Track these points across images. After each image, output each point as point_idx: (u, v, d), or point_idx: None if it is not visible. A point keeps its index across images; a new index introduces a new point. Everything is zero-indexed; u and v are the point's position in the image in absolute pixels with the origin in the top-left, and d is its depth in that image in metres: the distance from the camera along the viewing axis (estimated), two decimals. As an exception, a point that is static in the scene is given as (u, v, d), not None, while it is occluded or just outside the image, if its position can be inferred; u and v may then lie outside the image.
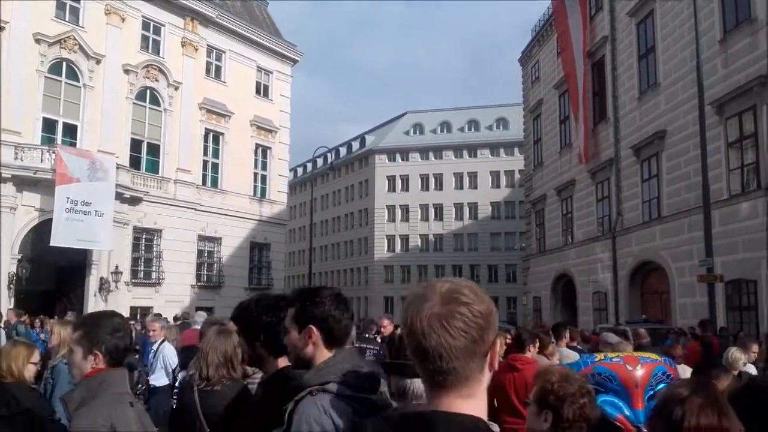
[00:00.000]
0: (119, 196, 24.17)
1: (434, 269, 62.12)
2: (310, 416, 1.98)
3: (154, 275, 26.80)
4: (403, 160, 64.83)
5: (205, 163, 29.97)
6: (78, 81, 24.98)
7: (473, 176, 61.94)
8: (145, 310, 23.80)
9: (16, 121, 22.46)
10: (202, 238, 29.32)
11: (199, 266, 29.32)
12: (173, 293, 26.65)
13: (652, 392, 3.85)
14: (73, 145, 24.38)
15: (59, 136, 24.31)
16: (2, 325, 13.93)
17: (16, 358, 3.95)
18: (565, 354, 7.15)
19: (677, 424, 2.00)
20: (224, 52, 30.89)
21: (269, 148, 33.06)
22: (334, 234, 71.15)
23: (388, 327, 8.83)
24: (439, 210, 62.87)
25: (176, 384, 5.55)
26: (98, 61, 25.30)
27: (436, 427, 1.26)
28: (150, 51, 27.60)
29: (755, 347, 8.26)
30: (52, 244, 21.49)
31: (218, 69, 30.80)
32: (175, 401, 4.60)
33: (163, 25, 28.07)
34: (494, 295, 58.14)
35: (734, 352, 6.53)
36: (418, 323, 1.28)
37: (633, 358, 3.96)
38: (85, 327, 2.66)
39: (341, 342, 2.25)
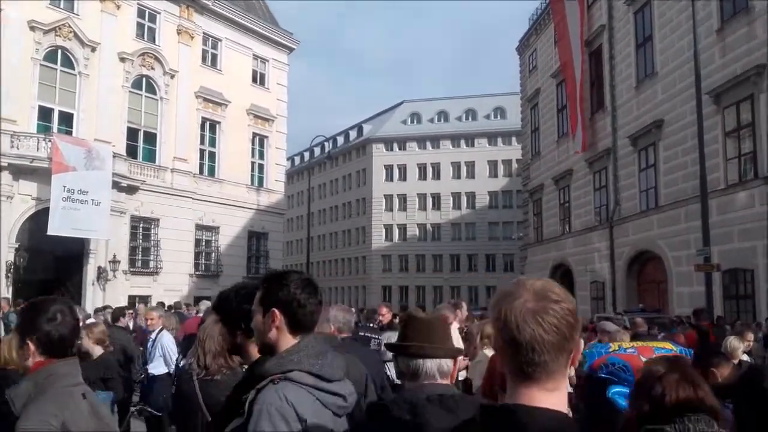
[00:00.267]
0: (116, 185, 24.14)
1: (432, 259, 62.23)
2: (271, 406, 1.91)
3: (152, 264, 26.80)
4: (400, 149, 64.76)
5: (202, 152, 29.91)
6: (73, 69, 24.86)
7: (471, 166, 61.92)
8: (144, 300, 23.81)
9: (12, 110, 22.36)
10: (199, 227, 29.31)
11: (197, 255, 29.32)
12: (171, 282, 26.67)
13: None
14: (69, 133, 24.30)
15: (55, 125, 24.22)
16: (-1, 314, 13.96)
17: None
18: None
19: (658, 399, 2.29)
20: (220, 40, 30.76)
21: (266, 137, 32.99)
22: (332, 223, 71.18)
23: (386, 315, 8.85)
24: (436, 199, 62.87)
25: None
26: (93, 49, 25.17)
27: (525, 420, 1.30)
28: (146, 39, 27.47)
29: (750, 336, 8.31)
30: (49, 233, 21.47)
31: (214, 57, 30.67)
32: (173, 389, 4.61)
33: (159, 13, 27.92)
34: (492, 284, 58.35)
35: (732, 341, 6.55)
36: (512, 317, 1.34)
37: (648, 348, 3.95)
38: (20, 315, 2.49)
39: (307, 328, 2.16)
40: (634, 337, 7.87)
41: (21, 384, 2.34)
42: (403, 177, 64.27)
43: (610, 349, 4.19)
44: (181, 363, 5.66)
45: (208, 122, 30.08)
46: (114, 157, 24.02)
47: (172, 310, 13.33)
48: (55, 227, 21.65)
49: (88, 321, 11.32)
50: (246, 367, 4.26)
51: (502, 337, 1.37)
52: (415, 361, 2.26)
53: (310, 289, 2.20)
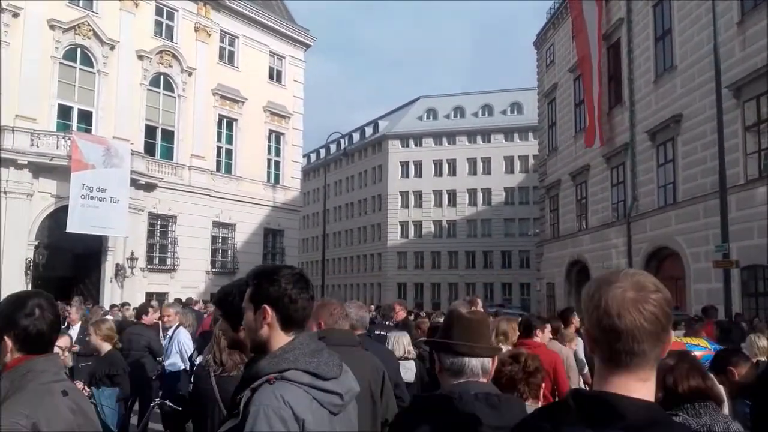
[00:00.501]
0: (134, 183, 24.35)
1: (447, 255, 62.09)
2: (268, 407, 1.87)
3: (169, 261, 27.01)
4: (416, 145, 64.64)
5: (219, 149, 30.08)
6: (92, 67, 25.08)
7: (487, 161, 61.68)
8: (161, 296, 24.00)
9: (32, 108, 22.64)
10: (216, 224, 29.49)
11: (213, 252, 29.51)
12: (188, 279, 26.86)
13: None
14: (88, 131, 24.53)
15: (74, 123, 24.47)
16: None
17: None
18: (569, 339, 7.15)
19: (672, 388, 2.53)
20: (237, 38, 30.88)
21: (283, 133, 33.09)
22: (348, 220, 71.27)
23: (400, 313, 8.86)
24: (452, 196, 62.69)
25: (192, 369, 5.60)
26: (112, 47, 25.38)
27: (622, 410, 1.31)
28: (163, 37, 27.66)
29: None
30: (68, 230, 21.70)
31: (231, 54, 30.81)
32: (191, 386, 4.64)
33: (177, 11, 28.10)
34: (507, 281, 58.21)
35: (757, 340, 6.47)
36: (613, 305, 1.36)
37: (680, 344, 3.89)
38: None
39: (299, 324, 2.12)
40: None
41: None
42: (418, 173, 64.16)
43: None
44: (196, 360, 5.70)
45: (225, 119, 30.23)
46: (132, 154, 24.23)
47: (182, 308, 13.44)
48: (74, 225, 21.88)
49: (95, 318, 11.43)
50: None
51: (599, 325, 1.39)
52: (460, 359, 2.33)
53: (301, 284, 2.14)
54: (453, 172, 62.79)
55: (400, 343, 6.09)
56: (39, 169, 22.28)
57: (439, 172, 63.53)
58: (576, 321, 8.33)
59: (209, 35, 29.23)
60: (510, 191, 60.60)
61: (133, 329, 8.88)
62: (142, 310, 9.70)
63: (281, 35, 33.01)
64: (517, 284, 58.31)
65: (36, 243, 22.30)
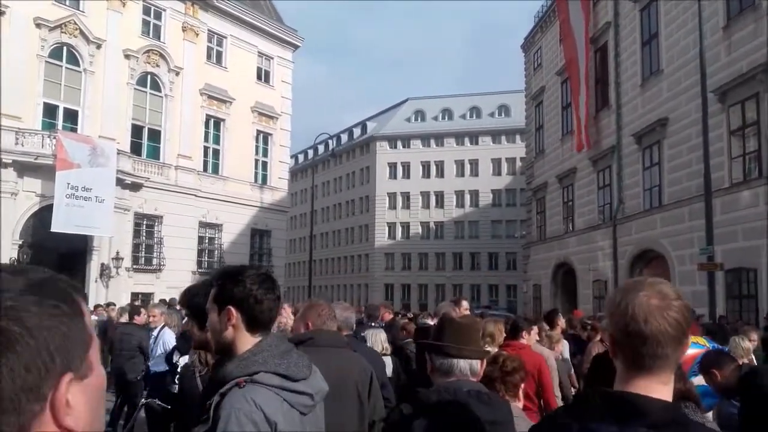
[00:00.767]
0: (120, 182, 24.17)
1: (435, 257, 62.18)
2: (239, 411, 1.84)
3: (155, 261, 26.85)
4: (404, 147, 64.69)
5: (206, 149, 29.93)
6: (79, 66, 24.89)
7: (474, 164, 61.83)
8: (146, 297, 23.84)
9: (17, 106, 22.41)
10: (203, 225, 29.34)
11: (200, 253, 29.35)
12: (174, 279, 26.67)
13: (693, 377, 3.82)
14: (74, 130, 24.33)
15: (60, 122, 24.26)
16: None
17: None
18: (555, 341, 7.18)
19: None
20: (225, 38, 30.76)
21: (270, 134, 32.99)
22: (335, 221, 71.18)
23: (386, 315, 8.88)
24: (440, 197, 62.81)
25: (176, 369, 5.57)
26: (99, 46, 25.20)
27: (647, 410, 1.40)
28: (151, 36, 27.49)
29: (755, 335, 8.27)
30: (52, 229, 21.52)
31: (219, 54, 30.68)
32: (176, 386, 4.61)
33: (164, 10, 27.94)
34: (494, 282, 58.39)
35: (741, 342, 6.57)
36: (640, 311, 1.46)
37: None
38: None
39: (265, 326, 2.09)
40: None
41: None
42: (406, 175, 64.21)
43: None
44: (175, 359, 5.67)
45: (212, 119, 30.09)
46: (118, 154, 24.06)
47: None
48: (59, 224, 21.70)
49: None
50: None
51: (626, 330, 1.47)
52: (449, 360, 2.50)
53: (267, 284, 2.11)
54: (441, 173, 62.91)
55: (378, 339, 6.16)
56: (24, 168, 22.08)
57: (426, 173, 63.62)
58: (561, 322, 8.36)
59: (197, 35, 29.09)
60: (497, 193, 60.79)
61: (125, 329, 8.82)
62: (134, 311, 9.64)
63: (269, 36, 32.91)
64: (504, 286, 58.49)
65: (20, 242, 22.09)
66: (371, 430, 3.39)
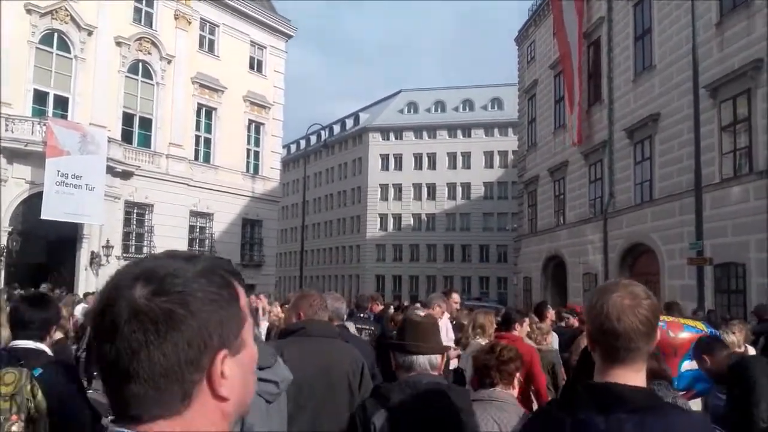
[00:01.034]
0: (111, 170, 24.05)
1: (426, 248, 62.29)
2: None
3: (145, 250, 26.74)
4: (396, 138, 64.66)
5: (197, 138, 29.80)
6: (69, 53, 24.71)
7: (467, 156, 61.89)
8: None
9: (7, 93, 22.20)
10: (194, 214, 29.25)
11: (190, 242, 29.27)
12: (165, 268, 26.60)
13: (689, 360, 3.84)
14: (65, 117, 24.17)
15: (50, 109, 24.10)
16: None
17: None
18: (545, 332, 7.21)
19: None
20: (217, 26, 30.58)
21: (262, 124, 32.88)
22: (327, 212, 71.14)
23: (375, 306, 8.90)
24: (432, 189, 62.86)
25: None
26: (90, 33, 25.01)
27: (625, 396, 1.60)
28: (142, 24, 27.29)
29: (739, 328, 8.31)
30: (42, 217, 21.41)
31: (211, 43, 30.51)
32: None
33: (157, -2, 27.74)
34: (485, 275, 58.56)
35: (728, 336, 6.69)
36: (613, 310, 1.65)
37: (678, 325, 3.93)
38: None
39: None
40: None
41: None
42: (398, 166, 64.20)
43: None
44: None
45: (204, 108, 29.95)
46: (109, 142, 23.93)
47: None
48: (49, 211, 21.59)
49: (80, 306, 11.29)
50: None
51: (601, 328, 1.67)
52: (410, 357, 2.72)
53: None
54: (433, 165, 62.95)
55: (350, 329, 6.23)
56: (13, 155, 21.92)
57: (419, 165, 63.64)
58: (551, 315, 8.38)
59: (189, 23, 28.91)
60: (489, 186, 60.89)
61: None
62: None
63: (262, 25, 32.74)
64: (495, 278, 58.68)
65: (10, 229, 21.96)
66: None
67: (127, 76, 26.57)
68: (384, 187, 64.30)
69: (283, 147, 51.02)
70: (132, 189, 25.90)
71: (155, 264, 0.88)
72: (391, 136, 64.86)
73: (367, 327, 7.24)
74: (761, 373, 4.71)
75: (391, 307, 12.91)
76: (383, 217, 64.41)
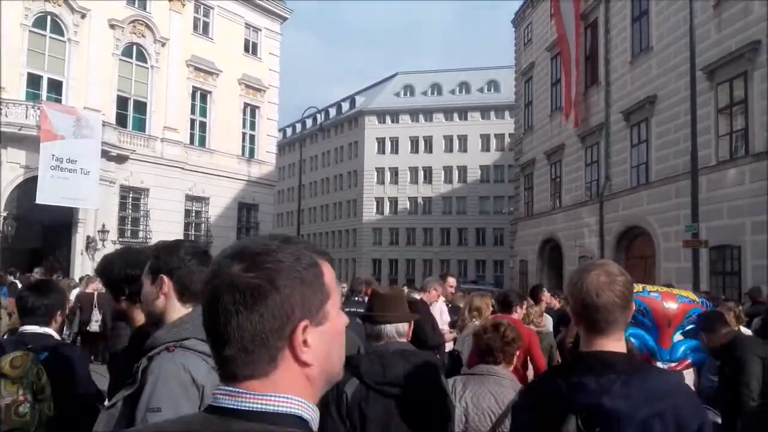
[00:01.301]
0: (105, 154, 23.94)
1: (422, 232, 62.33)
2: (167, 373, 1.87)
3: (141, 234, 26.72)
4: (393, 122, 64.44)
5: (192, 121, 29.65)
6: (63, 36, 24.49)
7: (463, 139, 61.75)
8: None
9: (1, 77, 22.05)
10: (189, 198, 29.18)
11: (186, 226, 29.22)
12: (161, 252, 26.59)
13: (681, 331, 3.84)
14: (59, 101, 24.01)
15: (44, 92, 23.94)
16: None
17: None
18: (537, 315, 7.23)
19: None
20: (212, 8, 30.31)
21: (258, 107, 32.72)
22: (323, 195, 71.05)
23: (369, 291, 8.91)
24: (428, 173, 62.79)
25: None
26: (83, 16, 24.78)
27: (610, 361, 1.86)
28: (136, 6, 27.04)
29: (732, 308, 8.34)
30: (37, 201, 21.33)
31: (206, 25, 30.26)
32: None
33: (150, -21, 27.46)
34: (481, 258, 58.66)
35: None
36: (592, 287, 1.89)
37: (672, 295, 3.91)
38: None
39: (197, 297, 2.08)
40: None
41: None
42: (395, 150, 64.04)
43: (634, 291, 4.19)
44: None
45: (199, 92, 29.77)
46: (103, 125, 23.79)
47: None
48: (44, 196, 21.50)
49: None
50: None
51: (583, 303, 1.91)
52: (378, 327, 2.92)
53: (201, 257, 2.16)
54: (429, 149, 62.82)
55: None
56: (7, 139, 21.78)
57: (415, 149, 63.50)
58: (546, 297, 8.38)
59: (183, 5, 28.64)
60: (485, 169, 60.82)
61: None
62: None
63: (257, 7, 32.46)
64: (491, 261, 58.79)
65: (5, 214, 21.90)
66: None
67: (121, 59, 26.36)
68: (380, 171, 64.20)
69: (279, 131, 50.84)
70: (127, 173, 25.81)
71: (251, 244, 1.02)
72: (387, 119, 64.65)
73: (362, 310, 7.24)
74: (751, 351, 4.78)
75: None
76: (379, 201, 64.37)
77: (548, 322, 7.54)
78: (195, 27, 29.60)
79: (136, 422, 1.84)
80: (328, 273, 1.04)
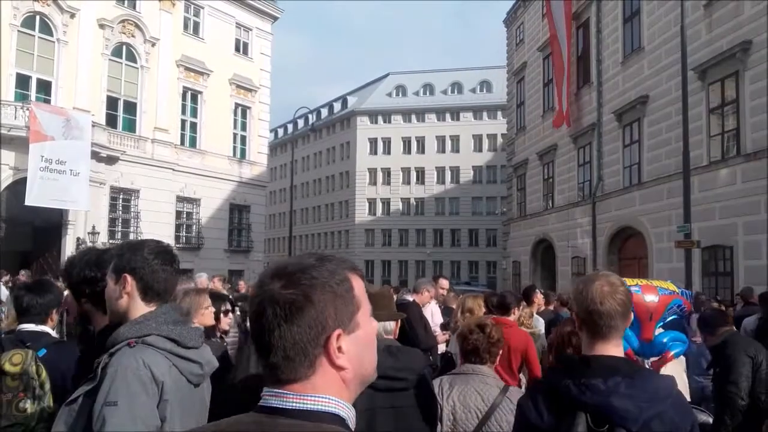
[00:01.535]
0: (95, 155, 23.76)
1: (415, 233, 62.29)
2: (127, 369, 1.88)
3: (131, 236, 26.49)
4: (385, 122, 64.38)
5: (183, 122, 29.49)
6: (52, 36, 24.29)
7: (455, 140, 61.76)
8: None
9: (-12, 77, 21.88)
10: (180, 199, 29.02)
11: (177, 227, 29.07)
12: (152, 254, 26.41)
13: (662, 323, 3.81)
14: (48, 101, 23.81)
15: (33, 93, 23.74)
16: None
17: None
18: (527, 317, 7.17)
19: (577, 347, 3.06)
20: (202, 8, 30.17)
21: (249, 107, 32.59)
22: (315, 197, 70.92)
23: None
24: (420, 173, 62.75)
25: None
26: (72, 15, 24.59)
27: (609, 364, 2.06)
28: (126, 5, 26.86)
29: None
30: (26, 203, 21.14)
31: (196, 25, 30.11)
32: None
33: (140, -21, 27.29)
34: (474, 259, 58.69)
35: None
36: (596, 295, 2.10)
37: (652, 288, 3.87)
38: None
39: (160, 296, 2.14)
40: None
41: None
42: (387, 150, 63.97)
43: None
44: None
45: (189, 92, 29.62)
46: (93, 126, 23.60)
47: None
48: (33, 197, 21.31)
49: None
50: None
51: (587, 310, 2.11)
52: None
53: (165, 256, 2.17)
54: (422, 149, 62.79)
55: None
56: (-4, 140, 21.60)
57: (407, 149, 63.46)
58: (539, 298, 8.32)
59: (173, 5, 28.48)
60: (478, 170, 60.83)
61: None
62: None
63: (248, 6, 32.33)
64: (484, 262, 58.82)
65: (-6, 216, 21.71)
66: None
67: (110, 60, 26.18)
68: (372, 172, 64.11)
69: (271, 131, 50.71)
70: (117, 174, 25.64)
71: (290, 263, 1.17)
72: (380, 119, 64.58)
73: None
74: (741, 350, 4.82)
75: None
76: (372, 202, 64.29)
77: (540, 324, 7.48)
78: (185, 27, 29.45)
79: (94, 417, 1.83)
80: (358, 286, 1.20)
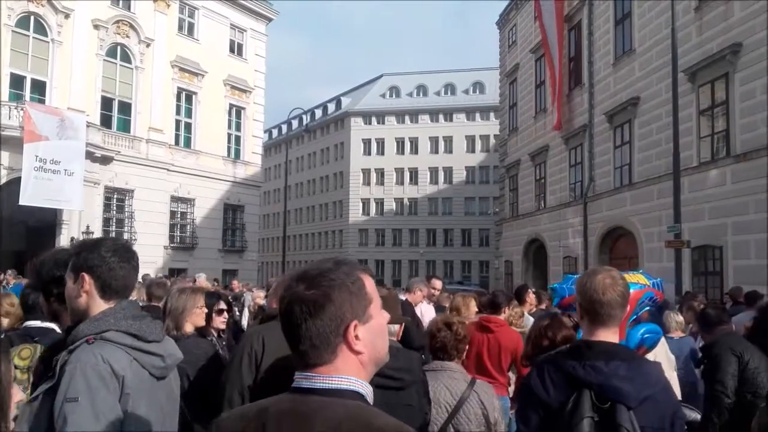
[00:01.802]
0: (90, 155, 23.78)
1: (408, 233, 62.37)
2: (86, 365, 1.88)
3: (126, 236, 26.51)
4: (378, 123, 64.46)
5: (177, 122, 29.53)
6: (46, 36, 24.31)
7: (449, 140, 61.89)
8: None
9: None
10: (174, 199, 29.06)
11: (172, 227, 29.11)
12: (146, 254, 26.33)
13: (634, 317, 3.90)
14: (42, 102, 23.83)
15: (27, 93, 23.74)
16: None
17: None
18: (518, 317, 7.27)
19: (552, 338, 3.45)
20: (197, 9, 30.23)
21: (243, 108, 32.65)
22: (309, 197, 70.92)
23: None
24: (414, 174, 62.85)
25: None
26: (67, 16, 24.61)
27: (609, 349, 2.27)
28: (120, 6, 26.90)
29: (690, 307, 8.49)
30: (21, 203, 21.16)
31: (191, 26, 30.16)
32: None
33: (134, -20, 27.32)
34: (467, 259, 58.82)
35: (677, 316, 7.00)
36: (599, 287, 2.32)
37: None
38: None
39: (119, 293, 2.14)
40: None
41: None
42: (381, 151, 64.06)
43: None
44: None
45: (184, 92, 29.67)
46: (88, 126, 23.63)
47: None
48: (28, 197, 21.33)
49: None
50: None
51: (590, 300, 2.33)
52: None
53: (123, 253, 2.17)
54: (415, 150, 62.88)
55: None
56: (-10, 140, 21.61)
57: (401, 150, 63.54)
58: (531, 298, 8.39)
59: (168, 5, 28.52)
60: (471, 170, 60.98)
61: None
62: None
63: (243, 8, 32.41)
64: (477, 262, 58.96)
65: (-13, 216, 21.70)
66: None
67: (105, 60, 26.22)
68: (366, 172, 64.17)
69: (265, 132, 50.70)
70: (112, 174, 25.66)
71: (311, 268, 1.39)
72: (373, 120, 64.65)
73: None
74: (727, 349, 4.87)
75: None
76: (365, 202, 64.35)
77: (530, 323, 7.57)
78: (180, 28, 29.51)
79: (55, 414, 1.84)
80: (369, 284, 1.41)
